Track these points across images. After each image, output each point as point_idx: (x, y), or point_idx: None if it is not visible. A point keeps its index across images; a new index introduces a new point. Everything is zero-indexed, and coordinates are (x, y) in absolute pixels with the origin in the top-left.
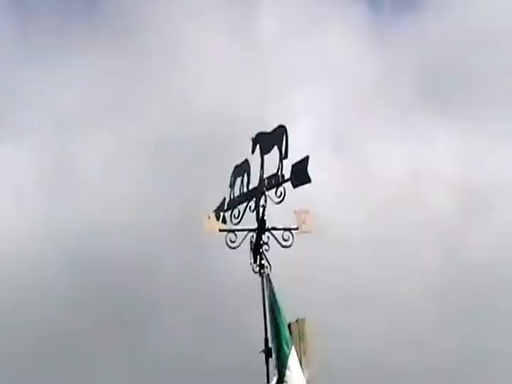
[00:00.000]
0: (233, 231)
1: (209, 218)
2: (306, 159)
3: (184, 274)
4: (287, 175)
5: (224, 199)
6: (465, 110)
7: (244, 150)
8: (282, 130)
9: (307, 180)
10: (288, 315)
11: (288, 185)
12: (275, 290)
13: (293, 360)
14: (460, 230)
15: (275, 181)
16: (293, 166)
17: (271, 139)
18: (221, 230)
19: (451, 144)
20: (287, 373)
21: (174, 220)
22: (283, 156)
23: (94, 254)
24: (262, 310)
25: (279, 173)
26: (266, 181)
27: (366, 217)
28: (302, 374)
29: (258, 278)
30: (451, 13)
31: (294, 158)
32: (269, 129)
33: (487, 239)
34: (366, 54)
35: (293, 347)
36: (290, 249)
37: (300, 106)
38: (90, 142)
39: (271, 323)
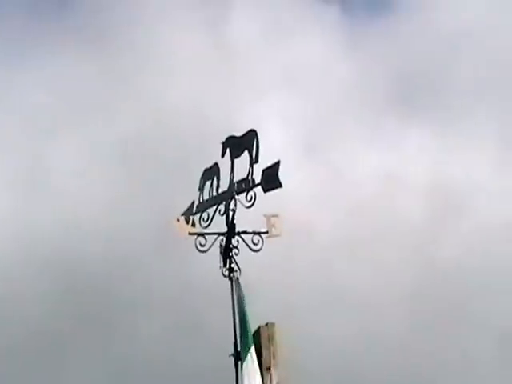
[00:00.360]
0: (202, 235)
1: (178, 221)
2: (277, 164)
3: (158, 277)
4: (258, 179)
5: (193, 202)
6: (436, 112)
7: (215, 153)
8: (252, 135)
9: (278, 185)
10: (258, 319)
11: (259, 189)
12: (243, 294)
13: (248, 366)
14: (432, 232)
15: (245, 185)
16: (263, 170)
17: (242, 143)
18: (191, 234)
19: (422, 146)
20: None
21: (147, 222)
22: (254, 160)
23: (68, 257)
24: (232, 313)
25: (250, 177)
26: (236, 185)
27: (337, 220)
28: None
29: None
30: (423, 15)
31: (265, 161)
32: (240, 132)
33: (459, 241)
34: (338, 57)
35: (249, 355)
36: (260, 253)
37: (272, 108)
38: (61, 143)
39: (239, 326)
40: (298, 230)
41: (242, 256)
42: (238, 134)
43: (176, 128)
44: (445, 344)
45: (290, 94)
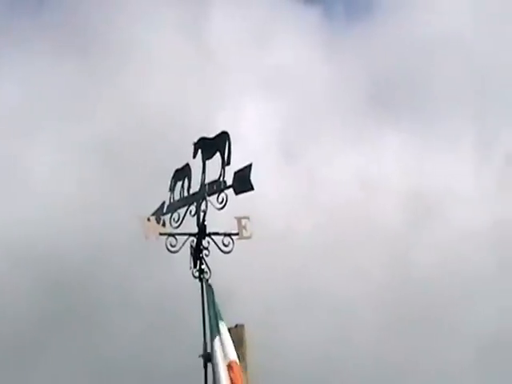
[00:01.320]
0: (173, 235)
1: (149, 220)
2: (249, 167)
3: (136, 276)
4: (230, 181)
5: (163, 203)
6: (415, 115)
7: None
8: (224, 136)
9: (250, 188)
10: (227, 320)
11: (231, 191)
12: (213, 296)
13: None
14: (409, 237)
15: (217, 187)
16: (235, 173)
17: (214, 145)
18: (161, 234)
19: (400, 151)
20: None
21: (124, 222)
22: (225, 162)
23: (46, 256)
24: (202, 314)
25: (221, 179)
26: (207, 186)
27: (314, 224)
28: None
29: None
30: (402, 19)
31: (242, 163)
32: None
33: (436, 247)
34: (317, 59)
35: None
36: (231, 254)
37: (250, 110)
38: (39, 142)
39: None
40: (275, 233)
41: (218, 258)
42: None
43: (154, 128)
44: (421, 350)
45: (268, 95)
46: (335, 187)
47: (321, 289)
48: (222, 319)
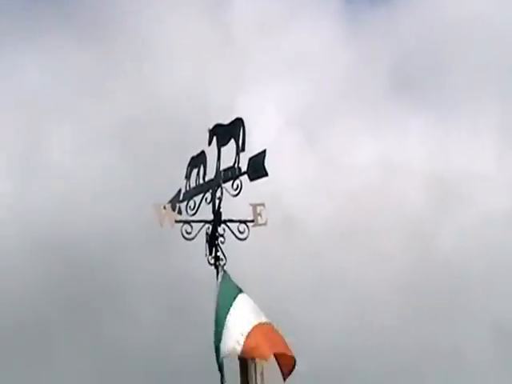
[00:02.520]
0: (189, 222)
1: (164, 208)
2: (263, 153)
3: (150, 263)
4: (245, 168)
5: (179, 190)
6: (437, 100)
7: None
8: (239, 123)
9: (264, 174)
10: None
11: (246, 178)
12: (230, 281)
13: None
14: (431, 222)
15: (232, 173)
16: (250, 159)
17: (228, 131)
18: (177, 222)
19: (422, 136)
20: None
21: (140, 207)
22: (240, 149)
23: (60, 242)
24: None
25: (236, 165)
26: (222, 173)
27: (335, 208)
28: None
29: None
30: (425, 2)
31: (262, 148)
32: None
33: (458, 231)
34: (339, 44)
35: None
36: (254, 242)
37: (270, 96)
38: (60, 126)
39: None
40: (295, 218)
41: (235, 244)
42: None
43: (175, 114)
44: (440, 335)
45: (290, 80)
46: (357, 171)
47: (341, 275)
48: (241, 291)
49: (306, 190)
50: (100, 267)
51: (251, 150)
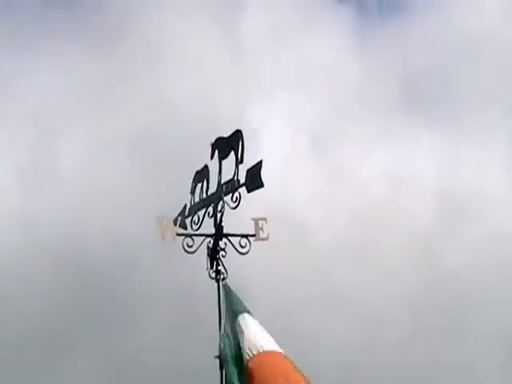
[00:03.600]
0: (190, 236)
1: (165, 222)
2: (260, 164)
3: (161, 271)
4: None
5: (185, 206)
6: (447, 114)
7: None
8: (238, 135)
9: (260, 185)
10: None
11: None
12: (232, 295)
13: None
14: (438, 237)
15: (231, 186)
16: (247, 170)
17: (228, 144)
18: (178, 235)
19: (431, 150)
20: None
21: (150, 216)
22: (239, 161)
23: (71, 250)
24: (218, 315)
25: (235, 178)
26: (223, 186)
27: (341, 224)
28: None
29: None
30: (436, 16)
31: (271, 161)
32: (247, 130)
33: (465, 248)
34: (349, 56)
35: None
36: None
37: (280, 107)
38: (71, 133)
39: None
40: (303, 233)
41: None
42: (246, 131)
43: (185, 123)
44: (449, 351)
45: (299, 92)
46: (365, 186)
47: (348, 290)
48: (246, 311)
49: (313, 203)
50: (108, 278)
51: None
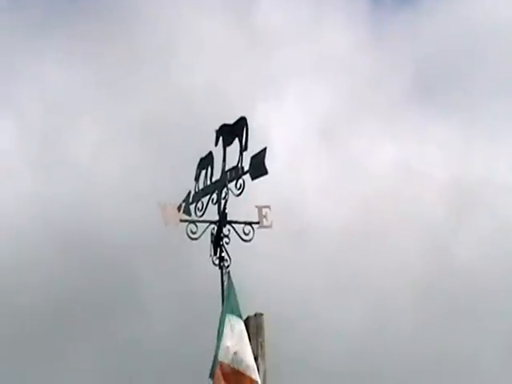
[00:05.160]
0: (193, 222)
1: (168, 208)
2: (264, 151)
3: (167, 264)
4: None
5: (189, 192)
6: (459, 106)
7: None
8: (242, 122)
9: (264, 172)
10: (248, 309)
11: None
12: (232, 284)
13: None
14: (449, 228)
15: (235, 173)
16: (251, 158)
17: (233, 131)
18: (182, 221)
19: (442, 141)
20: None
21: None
22: (243, 148)
23: (80, 236)
24: (221, 302)
25: (239, 165)
26: (227, 173)
27: (351, 214)
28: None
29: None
30: (450, 8)
31: (283, 151)
32: (257, 119)
33: (475, 238)
34: (363, 47)
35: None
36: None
37: (291, 98)
38: (81, 121)
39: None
40: (312, 222)
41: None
42: (257, 119)
43: (196, 110)
44: (457, 341)
45: (312, 82)
46: (376, 177)
47: (355, 280)
48: (238, 315)
49: (323, 193)
50: (116, 267)
51: (270, 152)
